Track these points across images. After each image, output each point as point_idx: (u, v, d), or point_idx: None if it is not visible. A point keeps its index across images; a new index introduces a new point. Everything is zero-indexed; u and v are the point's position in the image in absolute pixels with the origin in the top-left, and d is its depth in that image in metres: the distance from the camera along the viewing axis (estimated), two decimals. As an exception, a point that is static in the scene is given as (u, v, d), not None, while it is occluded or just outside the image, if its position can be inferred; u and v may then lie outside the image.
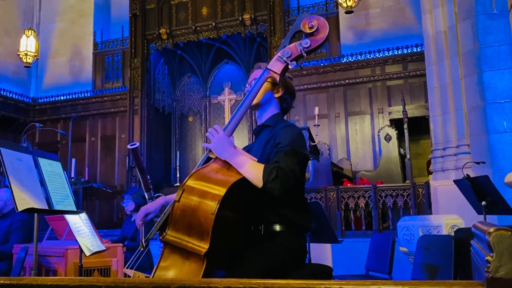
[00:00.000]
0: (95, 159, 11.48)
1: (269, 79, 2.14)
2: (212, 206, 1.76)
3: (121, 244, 3.85)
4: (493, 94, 5.29)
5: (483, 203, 3.38)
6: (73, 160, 10.66)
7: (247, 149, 2.22)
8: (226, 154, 1.94)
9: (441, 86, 5.90)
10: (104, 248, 3.11)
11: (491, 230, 0.73)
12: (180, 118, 12.24)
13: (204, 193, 1.81)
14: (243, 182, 1.89)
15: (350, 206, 6.54)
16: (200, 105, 12.15)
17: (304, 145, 2.16)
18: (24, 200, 1.97)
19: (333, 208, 6.54)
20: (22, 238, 4.36)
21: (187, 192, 1.84)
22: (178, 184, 10.79)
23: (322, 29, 2.11)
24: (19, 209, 1.91)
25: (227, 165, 1.96)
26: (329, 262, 5.64)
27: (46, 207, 2.08)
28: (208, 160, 2.08)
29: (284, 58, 2.10)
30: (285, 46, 2.16)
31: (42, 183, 2.17)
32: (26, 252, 3.55)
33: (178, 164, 11.30)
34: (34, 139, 12.11)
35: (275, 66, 2.12)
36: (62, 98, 11.90)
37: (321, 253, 5.22)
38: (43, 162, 2.24)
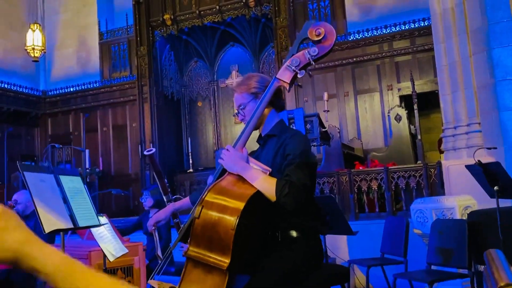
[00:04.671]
0: (108, 149, 11.61)
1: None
2: (231, 221, 1.82)
3: (141, 243, 3.96)
4: (503, 71, 5.24)
5: (495, 188, 3.42)
6: (87, 151, 10.80)
7: (255, 157, 2.26)
8: (236, 168, 2.01)
9: (450, 65, 5.84)
10: (127, 251, 3.21)
11: (502, 284, 0.78)
12: (189, 104, 12.27)
13: (223, 208, 1.87)
14: (259, 193, 1.96)
15: (362, 189, 6.58)
16: (208, 90, 12.16)
17: (311, 151, 2.22)
18: (50, 221, 2.05)
19: (346, 192, 6.60)
20: (47, 240, 4.48)
21: (206, 208, 1.90)
22: (191, 170, 10.91)
23: (329, 35, 2.13)
24: (46, 231, 2.00)
25: (242, 177, 2.02)
26: (344, 245, 5.74)
27: (71, 225, 2.17)
28: (224, 170, 2.14)
29: (293, 67, 2.13)
30: (293, 55, 2.18)
31: (65, 200, 2.25)
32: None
33: (190, 150, 11.39)
34: (47, 131, 12.27)
35: (285, 75, 2.15)
36: (71, 89, 11.98)
37: (337, 236, 5.30)
38: (65, 180, 2.32)
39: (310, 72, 2.19)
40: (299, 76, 2.16)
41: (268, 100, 2.13)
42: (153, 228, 2.49)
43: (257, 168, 2.04)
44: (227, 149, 2.06)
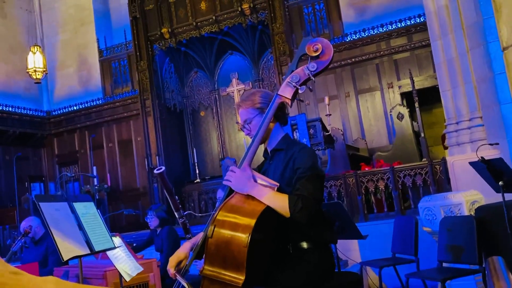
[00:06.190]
0: (115, 164, 11.71)
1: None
2: (244, 238, 1.87)
3: (155, 259, 4.02)
4: (501, 64, 5.26)
5: (500, 183, 3.46)
6: (94, 168, 10.91)
7: (263, 171, 2.31)
8: (246, 189, 2.05)
9: (448, 61, 5.88)
10: (142, 269, 3.27)
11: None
12: (192, 114, 12.36)
13: (235, 226, 1.92)
14: (269, 208, 2.01)
15: (370, 189, 6.62)
16: (210, 99, 12.24)
17: (318, 163, 2.26)
18: (68, 248, 2.12)
19: (353, 194, 6.63)
20: (60, 260, 4.56)
21: (218, 226, 1.95)
22: (198, 180, 10.96)
23: (326, 50, 2.18)
24: (65, 259, 2.06)
25: (252, 194, 2.07)
26: (355, 247, 5.78)
27: (88, 251, 2.23)
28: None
29: (293, 83, 2.19)
30: (292, 71, 2.24)
31: (80, 227, 2.31)
32: (67, 277, 3.74)
33: (196, 160, 11.45)
34: (54, 151, 12.38)
35: (286, 91, 2.21)
36: (75, 108, 12.10)
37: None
38: (78, 206, 2.39)
39: (311, 87, 2.24)
40: (300, 91, 2.22)
41: (272, 115, 2.18)
42: (174, 272, 2.15)
43: (265, 183, 2.09)
44: (233, 171, 2.10)
